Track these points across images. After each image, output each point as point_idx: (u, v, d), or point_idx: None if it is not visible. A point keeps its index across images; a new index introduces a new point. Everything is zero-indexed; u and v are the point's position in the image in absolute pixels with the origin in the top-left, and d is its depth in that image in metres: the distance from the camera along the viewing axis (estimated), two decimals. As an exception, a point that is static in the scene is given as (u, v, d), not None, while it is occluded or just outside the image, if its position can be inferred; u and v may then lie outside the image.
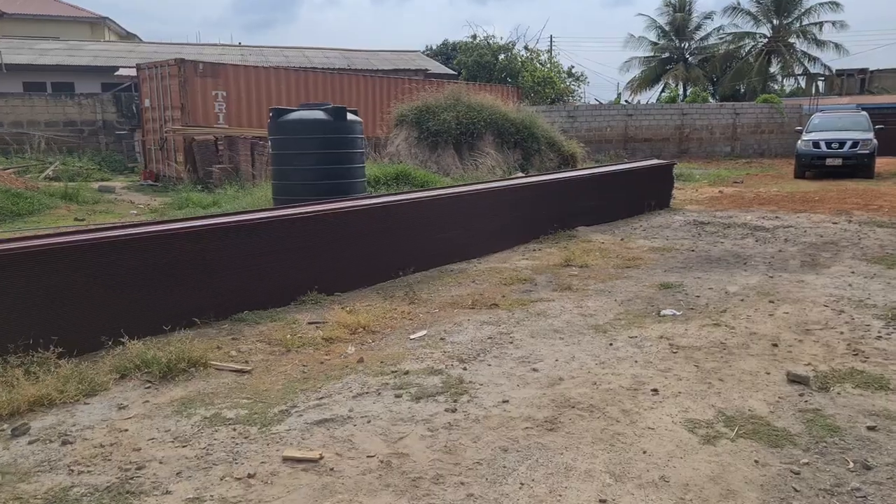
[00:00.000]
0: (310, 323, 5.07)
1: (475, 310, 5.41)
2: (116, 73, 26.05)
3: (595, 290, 6.00)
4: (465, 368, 4.04)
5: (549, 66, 33.30)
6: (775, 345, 4.42)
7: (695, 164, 22.87)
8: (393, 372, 3.99)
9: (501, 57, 30.64)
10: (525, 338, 4.62)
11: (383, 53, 30.84)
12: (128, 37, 41.00)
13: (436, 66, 29.40)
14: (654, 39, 41.61)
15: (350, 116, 8.44)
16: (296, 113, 8.33)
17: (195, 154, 16.46)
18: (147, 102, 17.83)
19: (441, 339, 4.64)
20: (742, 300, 5.58)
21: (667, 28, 41.26)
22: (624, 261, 7.20)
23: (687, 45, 41.60)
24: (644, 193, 10.45)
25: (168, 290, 4.79)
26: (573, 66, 54.02)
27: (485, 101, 14.18)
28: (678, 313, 5.19)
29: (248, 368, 4.11)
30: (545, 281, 6.38)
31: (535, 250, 7.82)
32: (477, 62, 29.69)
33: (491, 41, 31.00)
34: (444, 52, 36.13)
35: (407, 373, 3.97)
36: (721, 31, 40.44)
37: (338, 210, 6.08)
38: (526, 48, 32.81)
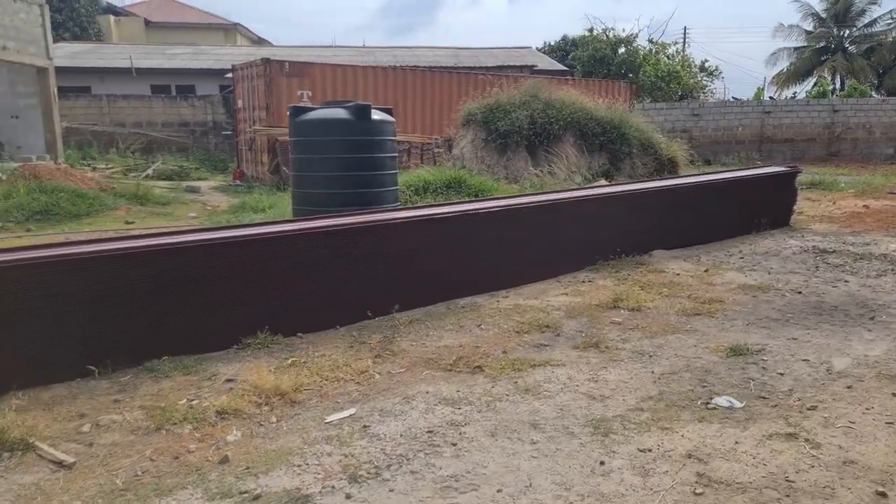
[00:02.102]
0: (228, 380, 3.89)
1: (451, 373, 3.99)
2: (227, 76, 26.65)
3: (632, 350, 4.36)
4: (348, 497, 2.65)
5: (677, 59, 30.43)
6: (884, 494, 2.65)
7: (845, 168, 19.58)
8: (242, 494, 2.69)
9: (621, 51, 28.28)
10: (480, 436, 3.15)
11: (493, 51, 29.53)
12: (258, 42, 42.57)
13: (547, 63, 27.68)
14: (809, 28, 37.08)
15: (379, 115, 7.22)
16: (315, 112, 7.23)
17: (278, 155, 16.02)
18: (240, 103, 17.70)
19: (364, 427, 3.28)
20: (850, 387, 3.73)
21: (824, 15, 36.59)
22: (695, 304, 5.43)
23: (847, 33, 36.67)
24: (753, 209, 8.38)
25: (58, 330, 3.80)
26: (706, 60, 49.83)
27: (567, 97, 12.40)
28: (737, 405, 3.47)
29: (71, 461, 2.97)
30: (573, 330, 4.80)
31: (583, 281, 6.19)
32: (592, 57, 27.59)
33: (610, 34, 28.70)
34: (563, 48, 34.22)
35: (258, 498, 2.65)
36: (891, 17, 35.21)
37: (304, 230, 4.86)
38: (650, 41, 30.12)
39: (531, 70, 25.74)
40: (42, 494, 2.72)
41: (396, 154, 7.65)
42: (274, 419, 3.39)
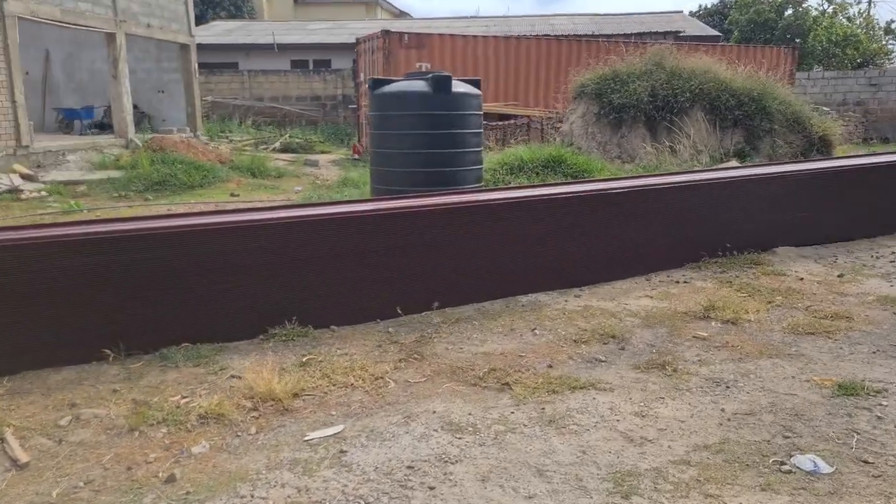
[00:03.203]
0: (232, 376, 3.58)
1: (474, 388, 3.42)
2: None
3: (707, 376, 3.54)
4: (271, 548, 2.20)
5: (858, 21, 26.87)
6: None
7: None
8: (161, 526, 2.32)
9: (787, 13, 25.36)
10: (467, 480, 2.57)
11: (639, 16, 27.63)
12: (399, 15, 43.01)
13: (697, 28, 25.45)
14: None
15: (461, 88, 6.64)
16: (393, 84, 6.78)
17: (395, 129, 15.87)
18: (361, 76, 17.72)
19: (341, 451, 2.80)
20: None
21: None
22: (812, 319, 4.41)
23: None
24: (916, 200, 6.91)
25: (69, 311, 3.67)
26: (893, 21, 43.78)
27: (698, 66, 10.95)
28: (824, 469, 2.62)
29: (25, 461, 2.75)
30: (643, 343, 4.03)
31: (677, 282, 5.30)
32: (753, 21, 24.95)
33: (774, -6, 25.83)
34: (720, 12, 31.40)
35: (172, 536, 2.27)
36: None
37: (345, 214, 4.44)
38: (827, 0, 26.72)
39: (676, 36, 23.81)
40: (-22, 497, 2.52)
41: (481, 130, 7.04)
42: (254, 430, 3.01)
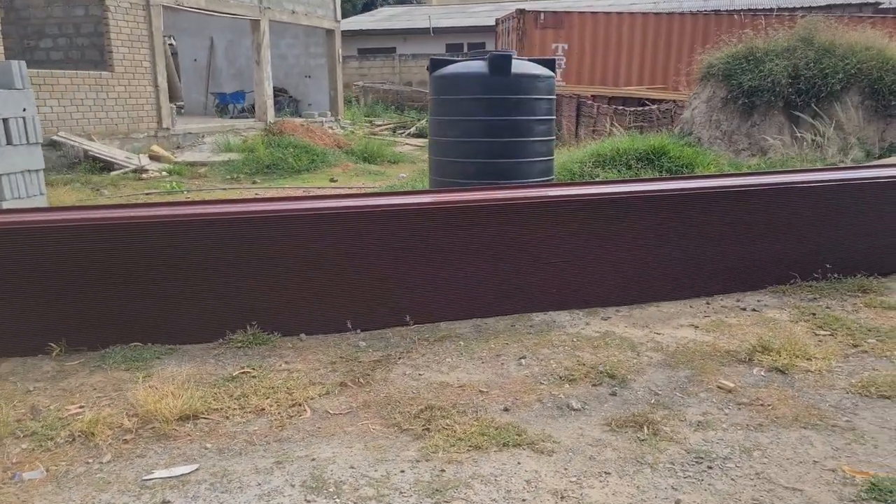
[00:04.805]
0: (149, 387, 3.29)
1: (390, 430, 2.84)
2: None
3: (692, 450, 2.64)
4: None
5: None
6: None
7: None
8: None
9: None
10: (265, 567, 2.02)
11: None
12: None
13: (902, -3, 21.66)
14: None
15: (524, 69, 5.88)
16: (451, 66, 6.15)
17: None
18: (499, 59, 17.09)
19: (163, 502, 2.37)
20: None
21: None
22: (901, 375, 3.25)
23: None
24: None
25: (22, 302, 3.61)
26: None
27: (859, 41, 8.94)
28: None
29: None
30: (645, 390, 3.18)
31: (743, 309, 4.23)
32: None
33: None
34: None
35: None
36: None
37: (322, 211, 3.99)
38: None
39: (875, 9, 20.53)
40: None
41: (550, 117, 6.21)
42: (108, 457, 2.67)
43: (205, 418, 2.96)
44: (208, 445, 2.75)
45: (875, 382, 3.17)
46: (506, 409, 3.02)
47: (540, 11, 15.15)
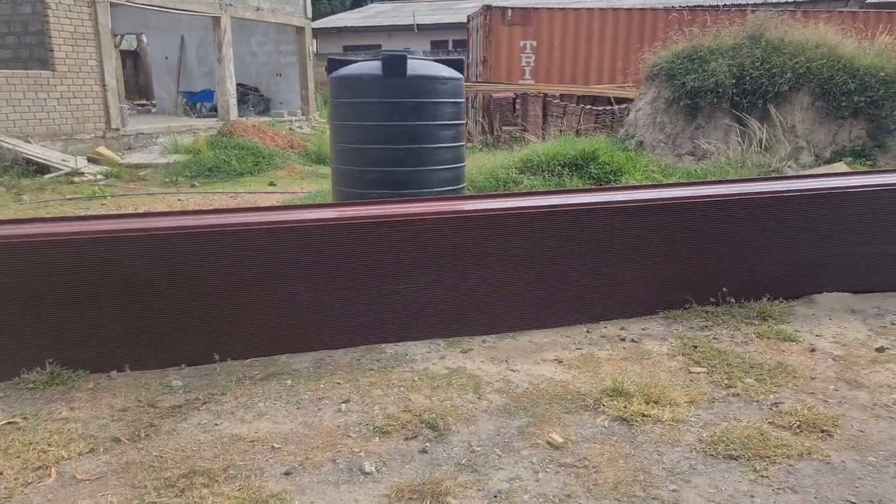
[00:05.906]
0: None
1: (130, 505, 2.41)
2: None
3: (468, 534, 2.20)
4: None
5: None
6: None
7: None
8: None
9: None
10: None
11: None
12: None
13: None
14: None
15: (422, 70, 5.43)
16: (347, 67, 5.71)
17: (492, 113, 14.67)
18: (470, 56, 16.65)
19: None
20: None
21: None
22: (769, 426, 2.79)
23: None
24: None
25: None
26: None
27: (810, 38, 8.38)
28: None
29: None
30: (462, 447, 2.73)
31: (623, 339, 3.77)
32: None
33: None
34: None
35: None
36: None
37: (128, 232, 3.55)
38: None
39: (861, 3, 19.96)
40: None
41: (459, 122, 5.76)
42: None
43: (-71, 483, 2.54)
44: None
45: (727, 438, 2.71)
46: (287, 473, 2.59)
47: (508, 8, 14.63)
